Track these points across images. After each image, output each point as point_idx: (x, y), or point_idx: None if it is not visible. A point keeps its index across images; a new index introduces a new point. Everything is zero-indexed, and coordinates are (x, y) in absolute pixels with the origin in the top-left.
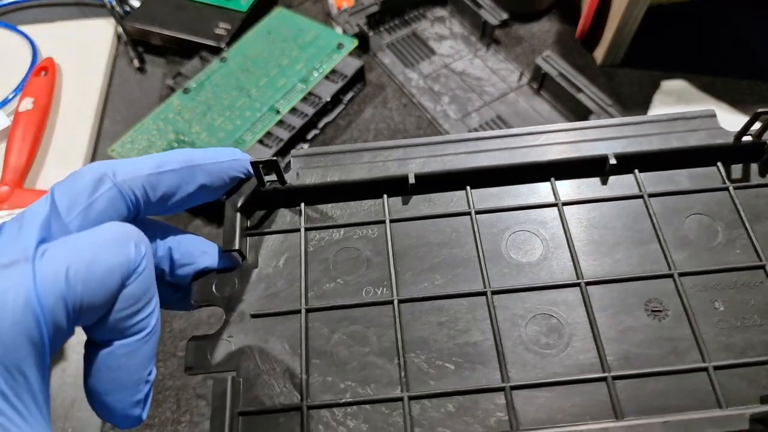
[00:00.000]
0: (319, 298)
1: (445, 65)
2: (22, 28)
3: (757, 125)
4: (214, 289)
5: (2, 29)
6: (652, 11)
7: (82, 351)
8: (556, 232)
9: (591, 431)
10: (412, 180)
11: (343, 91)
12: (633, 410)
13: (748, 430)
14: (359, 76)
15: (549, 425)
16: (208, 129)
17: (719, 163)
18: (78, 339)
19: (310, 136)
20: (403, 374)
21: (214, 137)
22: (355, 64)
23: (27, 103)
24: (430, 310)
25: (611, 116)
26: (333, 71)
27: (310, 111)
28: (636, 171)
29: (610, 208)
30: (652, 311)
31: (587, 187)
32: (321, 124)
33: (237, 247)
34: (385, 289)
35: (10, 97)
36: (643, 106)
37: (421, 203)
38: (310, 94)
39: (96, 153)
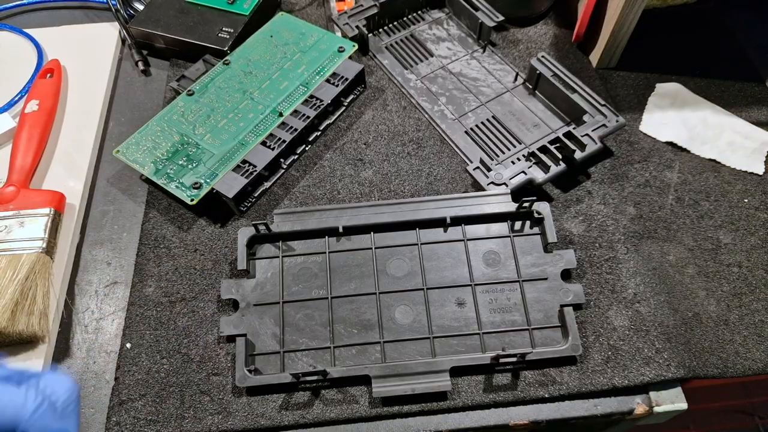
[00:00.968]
0: (290, 295)
1: (442, 66)
2: (28, 30)
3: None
4: (234, 290)
5: (8, 32)
6: (647, 15)
7: (87, 349)
8: (416, 260)
9: (422, 363)
10: (341, 229)
11: (343, 93)
12: (442, 353)
13: (489, 363)
14: (360, 79)
15: (400, 360)
16: (212, 131)
17: (508, 221)
18: (83, 337)
19: (311, 137)
20: (331, 335)
21: (218, 138)
22: (356, 67)
23: (33, 105)
24: (348, 302)
25: (605, 116)
26: (334, 74)
27: (312, 113)
28: (463, 225)
29: (445, 246)
30: (458, 304)
31: (434, 234)
32: (322, 126)
33: (245, 267)
34: (324, 290)
35: (16, 99)
36: (637, 108)
37: (346, 242)
38: (311, 96)
39: (101, 154)
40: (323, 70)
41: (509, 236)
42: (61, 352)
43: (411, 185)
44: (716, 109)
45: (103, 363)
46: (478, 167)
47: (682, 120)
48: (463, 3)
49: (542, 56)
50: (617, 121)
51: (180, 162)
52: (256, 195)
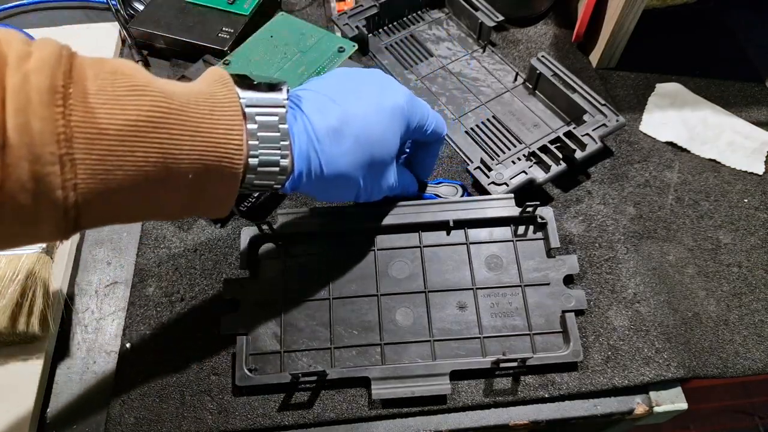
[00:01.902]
0: (290, 293)
1: (442, 66)
2: (28, 30)
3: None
4: (235, 289)
5: None
6: (647, 15)
7: (87, 349)
8: (417, 262)
9: (422, 366)
10: (343, 230)
11: None
12: (442, 356)
13: (490, 367)
14: None
15: (400, 362)
16: None
17: (511, 225)
18: (83, 336)
19: None
20: (331, 336)
21: None
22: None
23: None
24: (349, 303)
25: (605, 115)
26: None
27: None
28: (465, 228)
29: (447, 249)
30: (459, 307)
31: (437, 237)
32: None
33: (248, 267)
34: (326, 291)
35: None
36: (637, 108)
37: (348, 243)
38: None
39: None
40: (323, 71)
41: (512, 240)
42: (61, 352)
43: None
44: (716, 109)
45: (103, 363)
46: (478, 167)
47: (682, 120)
48: (463, 3)
49: (542, 56)
50: (617, 121)
51: None
52: (256, 195)
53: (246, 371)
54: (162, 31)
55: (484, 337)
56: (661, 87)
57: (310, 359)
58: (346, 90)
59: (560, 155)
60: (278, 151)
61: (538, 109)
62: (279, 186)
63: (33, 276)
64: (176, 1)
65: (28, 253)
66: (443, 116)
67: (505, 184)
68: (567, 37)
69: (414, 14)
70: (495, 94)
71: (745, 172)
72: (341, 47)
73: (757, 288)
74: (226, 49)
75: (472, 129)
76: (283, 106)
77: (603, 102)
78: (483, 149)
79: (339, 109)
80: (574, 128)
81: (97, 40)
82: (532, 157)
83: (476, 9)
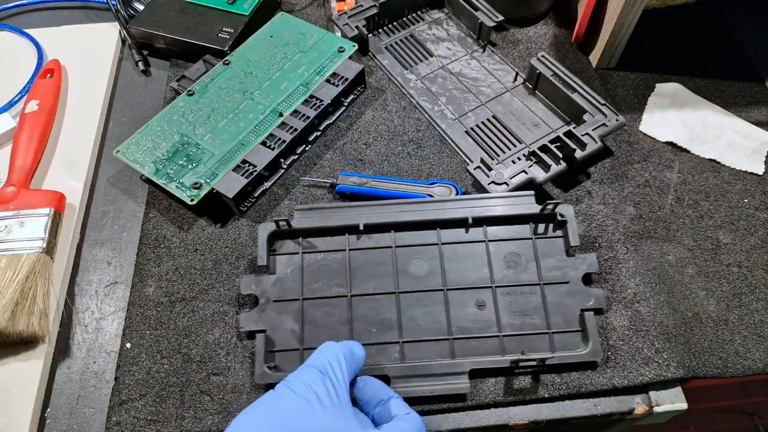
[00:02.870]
0: (309, 292)
1: (442, 66)
2: (29, 31)
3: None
4: (253, 286)
5: (9, 32)
6: (647, 15)
7: (87, 349)
8: (436, 260)
9: (441, 364)
10: (362, 227)
11: (343, 93)
12: (461, 355)
13: (509, 366)
14: (360, 79)
15: (419, 360)
16: (212, 131)
17: (530, 223)
18: (83, 336)
19: (311, 138)
20: (350, 333)
21: (218, 139)
22: (356, 67)
23: (33, 105)
24: (368, 300)
25: (605, 115)
26: (334, 74)
27: (312, 113)
28: (484, 226)
29: (466, 247)
30: (478, 305)
31: (456, 234)
32: (322, 126)
33: (266, 263)
34: (344, 288)
35: (16, 99)
36: (637, 108)
37: (367, 240)
38: (311, 96)
39: (101, 154)
40: (323, 71)
41: (531, 238)
42: (61, 352)
43: None
44: (716, 109)
45: (103, 363)
46: (478, 167)
47: (682, 120)
48: (463, 3)
49: (542, 56)
50: (617, 120)
51: (180, 162)
52: (256, 195)
53: (266, 369)
54: (162, 31)
55: (503, 336)
56: (661, 87)
57: None
58: None
59: (560, 155)
60: None
61: (538, 108)
62: None
63: (33, 276)
64: (176, 1)
65: (28, 253)
66: (443, 116)
67: (505, 183)
68: (567, 37)
69: (414, 14)
70: (495, 94)
71: (745, 172)
72: (341, 47)
73: (757, 288)
74: (226, 49)
75: (472, 129)
76: None
77: (603, 102)
78: (483, 149)
79: None
80: (574, 128)
81: (96, 40)
82: (532, 157)
83: (476, 9)
